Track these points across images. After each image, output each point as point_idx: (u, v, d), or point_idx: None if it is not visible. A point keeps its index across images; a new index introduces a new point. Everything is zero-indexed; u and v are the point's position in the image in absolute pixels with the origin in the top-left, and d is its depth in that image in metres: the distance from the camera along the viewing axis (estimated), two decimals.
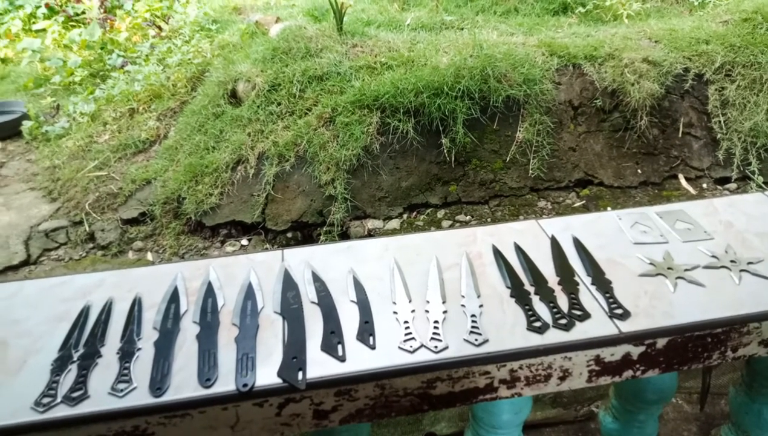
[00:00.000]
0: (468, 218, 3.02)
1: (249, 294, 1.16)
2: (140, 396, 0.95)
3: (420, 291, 1.16)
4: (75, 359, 1.02)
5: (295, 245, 3.05)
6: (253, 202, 3.10)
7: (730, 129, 3.26)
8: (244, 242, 3.10)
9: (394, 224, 3.02)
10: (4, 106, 4.26)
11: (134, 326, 1.09)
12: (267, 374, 0.98)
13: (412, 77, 3.15)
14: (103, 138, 3.80)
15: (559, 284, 1.16)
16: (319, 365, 0.99)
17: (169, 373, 0.99)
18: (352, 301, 1.14)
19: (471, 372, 1.00)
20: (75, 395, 0.94)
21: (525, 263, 1.23)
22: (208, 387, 0.96)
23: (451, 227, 2.96)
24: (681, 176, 3.32)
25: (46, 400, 0.93)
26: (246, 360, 1.00)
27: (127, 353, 1.03)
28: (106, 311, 1.13)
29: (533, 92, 3.26)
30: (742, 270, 1.17)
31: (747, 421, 1.50)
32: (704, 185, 3.26)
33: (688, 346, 1.06)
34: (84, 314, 1.13)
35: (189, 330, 1.09)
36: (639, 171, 3.30)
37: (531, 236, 1.34)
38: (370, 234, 2.97)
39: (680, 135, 3.41)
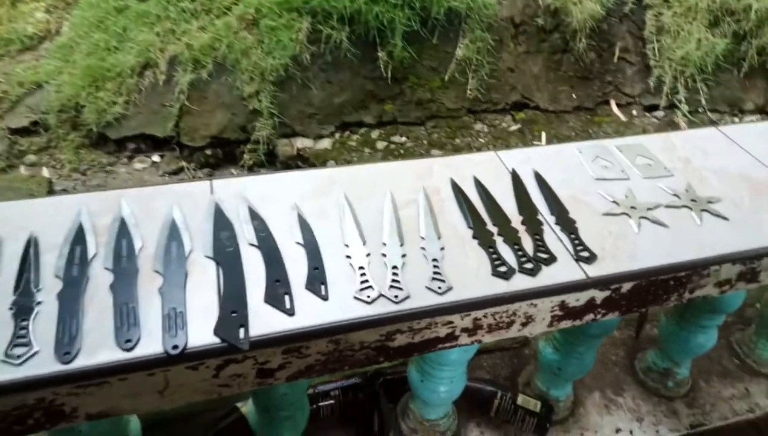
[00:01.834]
0: (403, 139, 2.89)
1: (173, 234, 0.98)
2: (44, 363, 0.77)
3: (374, 232, 1.04)
4: None
5: (216, 164, 2.81)
6: (165, 113, 2.77)
7: (663, 56, 3.28)
8: (156, 158, 2.80)
9: (326, 143, 2.83)
10: None
11: (30, 274, 0.89)
12: (201, 332, 0.83)
13: None
14: None
15: (523, 223, 1.08)
16: (263, 320, 0.86)
17: (79, 333, 0.81)
18: (298, 243, 1.00)
19: (434, 323, 0.91)
20: None
21: (486, 199, 1.13)
22: (130, 350, 0.80)
23: (386, 148, 2.82)
24: (613, 102, 3.34)
25: None
26: (174, 316, 0.84)
27: (23, 308, 0.84)
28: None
29: (476, 5, 3.07)
30: (702, 210, 1.14)
31: (674, 348, 1.57)
32: (634, 112, 3.31)
33: (651, 289, 1.03)
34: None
35: (100, 278, 0.90)
36: (574, 96, 3.28)
37: (491, 168, 1.23)
38: (300, 154, 2.78)
39: (615, 60, 3.40)
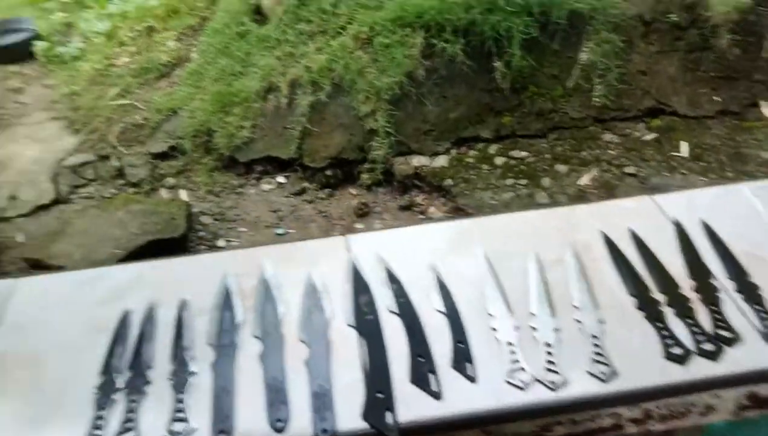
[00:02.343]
0: (524, 153, 2.74)
1: (314, 299, 0.98)
2: None
3: (520, 299, 0.96)
4: (120, 386, 0.86)
5: (336, 184, 2.85)
6: (288, 136, 2.86)
7: None
8: (281, 179, 2.90)
9: (442, 160, 2.77)
10: (13, 24, 3.95)
11: (183, 341, 0.92)
12: (348, 415, 0.81)
13: None
14: (121, 60, 3.52)
15: (696, 290, 0.95)
16: (409, 404, 0.82)
17: (233, 409, 0.82)
18: (439, 311, 0.95)
19: (597, 415, 0.82)
20: None
21: (647, 259, 1.00)
22: (280, 431, 0.80)
23: (505, 164, 2.70)
24: (763, 105, 2.94)
25: None
26: (322, 395, 0.83)
27: (180, 381, 0.87)
28: (149, 321, 0.96)
29: (601, 5, 2.84)
30: None
31: None
32: None
33: None
34: (123, 323, 0.96)
35: (249, 347, 0.91)
36: (716, 98, 2.93)
37: (648, 218, 1.10)
38: (417, 173, 2.74)
39: (765, 55, 2.98)
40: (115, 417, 0.82)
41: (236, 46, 3.16)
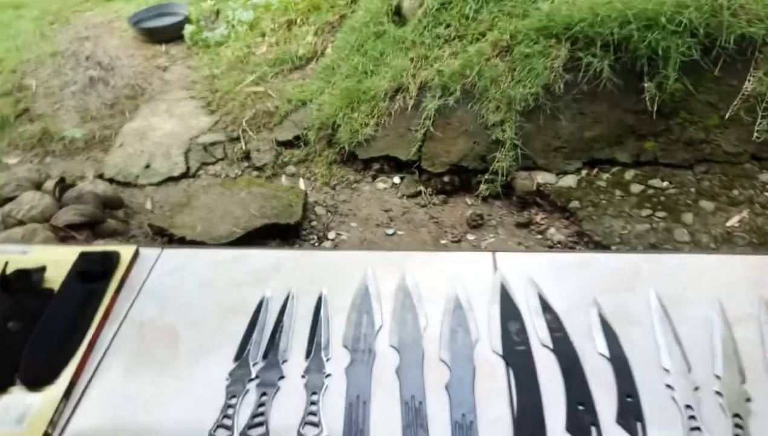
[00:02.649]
0: (665, 184, 2.50)
1: (458, 317, 0.90)
2: None
3: (700, 355, 0.82)
4: (253, 375, 0.83)
5: (452, 192, 2.77)
6: (410, 137, 2.81)
7: None
8: (396, 179, 2.87)
9: (570, 180, 2.59)
10: (168, 8, 4.28)
11: (321, 339, 0.88)
12: None
13: (619, 3, 2.55)
14: (260, 50, 3.67)
15: None
16: None
17: (367, 422, 0.77)
18: (602, 355, 0.83)
19: None
20: (255, 434, 0.76)
21: None
22: None
23: (642, 193, 2.47)
24: None
25: (221, 435, 0.76)
26: (466, 427, 0.75)
27: (314, 381, 0.82)
28: (287, 311, 0.93)
29: None
30: None
31: None
32: None
33: None
34: (261, 308, 0.94)
35: (386, 358, 0.85)
36: None
37: None
38: (540, 190, 2.58)
39: None
40: (246, 407, 0.79)
41: (371, 45, 3.17)
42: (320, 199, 2.81)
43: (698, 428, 0.72)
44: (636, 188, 2.50)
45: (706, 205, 2.40)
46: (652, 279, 0.94)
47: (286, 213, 2.62)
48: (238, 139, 3.11)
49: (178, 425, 0.78)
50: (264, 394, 0.81)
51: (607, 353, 0.83)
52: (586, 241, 2.40)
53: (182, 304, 0.97)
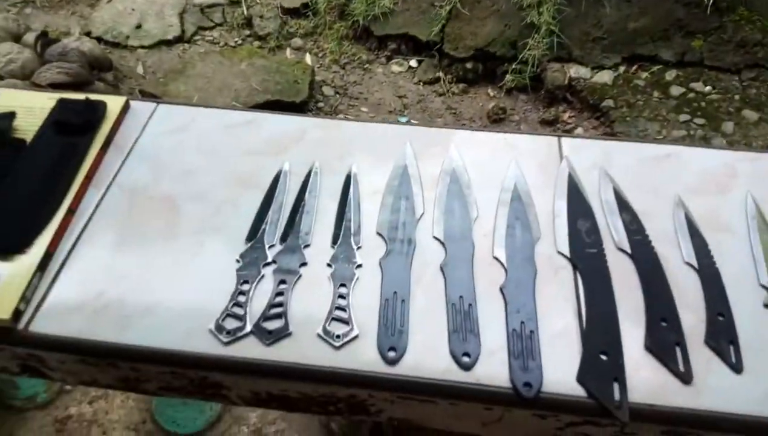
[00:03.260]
0: (708, 88, 2.28)
1: (517, 210, 0.75)
2: (363, 353, 0.62)
3: None
4: (270, 260, 0.69)
5: (474, 81, 2.53)
6: (433, 14, 2.52)
7: None
8: (414, 62, 2.61)
9: (605, 76, 2.36)
10: None
11: (350, 224, 0.73)
12: (556, 372, 0.60)
13: None
14: None
15: None
16: (641, 375, 0.60)
17: (406, 324, 0.64)
18: (690, 265, 0.69)
19: None
20: (272, 327, 0.63)
21: None
22: (466, 368, 0.60)
23: (682, 96, 2.26)
24: None
25: (230, 325, 0.63)
26: (524, 336, 0.62)
27: (343, 271, 0.68)
28: (310, 188, 0.77)
29: None
30: None
31: None
32: None
33: None
34: (279, 182, 0.78)
35: (429, 251, 0.71)
36: None
37: None
38: (572, 85, 2.36)
39: None
40: (260, 296, 0.66)
41: None
42: (328, 79, 2.57)
43: None
44: (676, 91, 2.28)
45: (750, 115, 2.21)
46: (749, 181, 0.78)
47: (292, 90, 2.39)
48: (239, 2, 2.79)
49: (178, 310, 0.64)
50: (283, 282, 0.67)
51: (695, 263, 0.69)
52: None
53: (183, 172, 0.81)
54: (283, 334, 0.62)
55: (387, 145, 0.84)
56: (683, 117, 2.20)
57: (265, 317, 0.64)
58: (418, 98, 2.53)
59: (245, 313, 0.64)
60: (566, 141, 0.84)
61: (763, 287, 0.67)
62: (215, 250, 0.71)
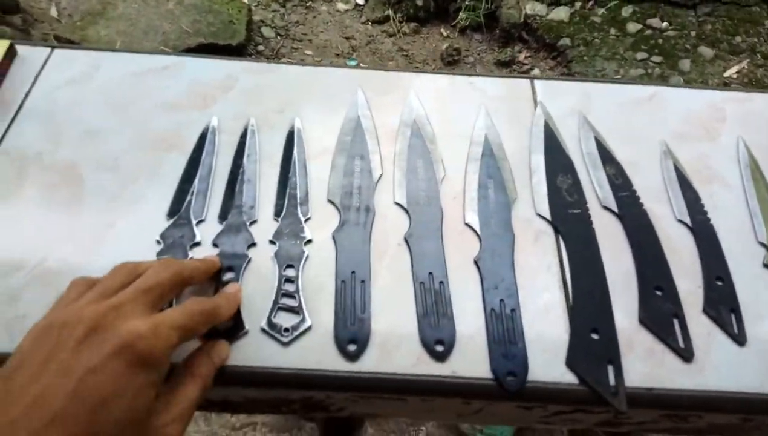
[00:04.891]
0: (664, 24, 2.22)
1: (488, 167, 0.65)
2: (320, 350, 0.52)
3: None
4: (198, 239, 0.57)
5: (425, 20, 2.37)
6: None
7: None
8: (361, 0, 2.42)
9: (562, 13, 2.25)
10: None
11: (297, 191, 0.61)
12: (543, 353, 0.52)
13: None
14: None
15: None
16: (636, 356, 0.52)
17: (368, 312, 0.54)
18: (683, 223, 0.62)
19: None
20: (220, 327, 0.51)
21: None
22: (440, 357, 0.51)
23: (639, 33, 2.19)
24: None
25: None
26: (505, 316, 0.54)
27: (288, 251, 0.57)
28: (249, 149, 0.64)
29: None
30: None
31: None
32: None
33: None
34: (206, 142, 0.64)
35: (391, 220, 0.60)
36: None
37: None
38: (527, 23, 2.24)
39: None
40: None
41: None
42: (267, 19, 2.35)
43: None
44: (633, 27, 2.21)
45: (706, 51, 2.17)
46: (739, 125, 0.71)
47: (227, 32, 2.18)
48: None
49: None
50: (230, 269, 0.55)
51: (688, 220, 0.61)
52: None
53: (86, 133, 0.66)
54: (240, 333, 0.51)
55: (336, 93, 0.71)
56: (640, 55, 2.14)
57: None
58: (366, 39, 2.37)
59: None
60: (540, 84, 0.73)
61: (762, 244, 0.60)
62: (130, 230, 0.58)
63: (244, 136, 0.65)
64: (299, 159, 0.64)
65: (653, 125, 0.70)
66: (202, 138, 0.65)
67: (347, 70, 0.74)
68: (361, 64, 2.29)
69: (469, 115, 0.70)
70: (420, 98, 0.71)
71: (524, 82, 0.74)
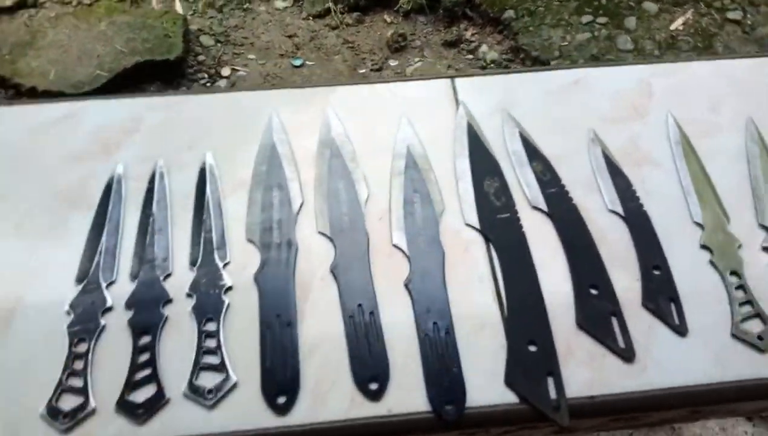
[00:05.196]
0: None
1: (413, 180, 0.62)
2: (248, 408, 0.49)
3: (736, 197, 0.61)
4: (110, 304, 0.53)
5: (367, 8, 2.32)
6: None
7: None
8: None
9: None
10: None
11: (213, 235, 0.58)
12: (480, 373, 0.50)
13: None
14: None
15: None
16: (577, 363, 0.51)
17: (296, 357, 0.51)
18: (615, 212, 0.60)
19: None
20: (140, 399, 0.48)
21: None
22: (375, 397, 0.49)
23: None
24: None
25: (68, 403, 0.48)
26: (440, 340, 0.51)
27: (207, 303, 0.54)
28: (158, 194, 0.61)
29: None
30: None
31: None
32: None
33: None
34: (112, 193, 0.61)
35: (315, 252, 0.58)
36: None
37: None
38: (470, 0, 2.20)
39: None
40: (107, 354, 0.51)
41: None
42: (205, 27, 2.28)
43: (749, 302, 0.53)
44: None
45: (650, 6, 2.15)
46: (667, 100, 0.69)
47: (163, 46, 2.10)
48: None
49: None
50: (144, 333, 0.52)
51: (620, 209, 0.59)
52: (522, 57, 2.12)
53: None
54: (158, 404, 0.48)
55: (249, 118, 0.67)
56: (585, 18, 2.11)
57: (130, 385, 0.49)
58: (310, 36, 2.30)
59: (86, 384, 0.49)
60: (461, 82, 0.70)
61: (698, 224, 0.59)
62: (36, 302, 0.54)
63: (152, 181, 0.62)
64: (213, 198, 0.60)
65: (581, 111, 0.68)
66: (108, 189, 0.61)
67: (259, 93, 0.71)
68: (307, 63, 2.23)
69: (390, 126, 0.67)
70: (338, 114, 0.68)
71: (445, 82, 0.71)
